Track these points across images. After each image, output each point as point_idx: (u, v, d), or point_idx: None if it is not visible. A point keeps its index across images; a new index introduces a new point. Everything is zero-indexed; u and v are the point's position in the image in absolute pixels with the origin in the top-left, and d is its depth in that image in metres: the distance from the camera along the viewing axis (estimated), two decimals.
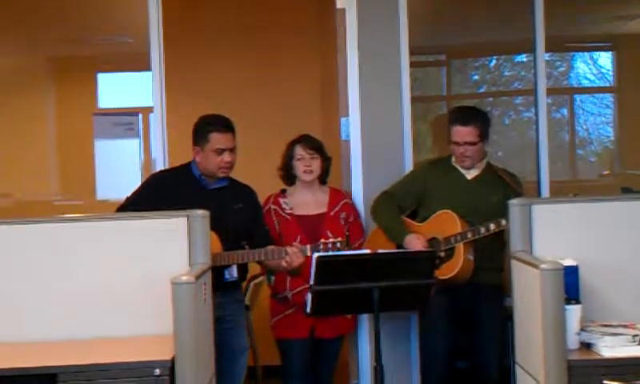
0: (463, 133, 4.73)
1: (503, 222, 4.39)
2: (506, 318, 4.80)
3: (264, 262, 4.57)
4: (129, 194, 4.61)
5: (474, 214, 4.68)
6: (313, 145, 4.87)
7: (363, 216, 5.09)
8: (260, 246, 4.47)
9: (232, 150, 4.50)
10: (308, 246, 4.41)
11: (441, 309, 4.68)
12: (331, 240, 4.38)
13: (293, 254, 4.38)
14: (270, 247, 4.47)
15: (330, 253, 4.22)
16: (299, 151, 4.86)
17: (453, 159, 4.87)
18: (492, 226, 4.53)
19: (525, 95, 7.11)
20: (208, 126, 4.51)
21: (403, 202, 4.89)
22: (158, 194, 4.49)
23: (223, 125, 4.52)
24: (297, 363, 4.83)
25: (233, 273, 4.46)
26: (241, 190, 4.63)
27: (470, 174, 4.83)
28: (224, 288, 4.39)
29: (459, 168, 4.84)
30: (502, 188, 4.71)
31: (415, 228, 4.79)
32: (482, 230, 4.56)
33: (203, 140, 4.48)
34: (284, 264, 4.41)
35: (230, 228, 4.31)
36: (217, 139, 4.47)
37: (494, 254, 4.67)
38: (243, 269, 4.60)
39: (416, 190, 4.88)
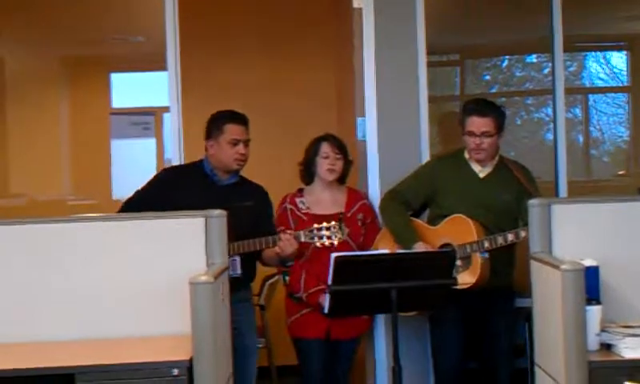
0: (480, 123, 4.59)
1: (522, 233, 4.34)
2: (523, 318, 4.77)
3: (262, 256, 4.55)
4: (138, 188, 4.62)
5: (486, 212, 4.58)
6: (339, 144, 4.81)
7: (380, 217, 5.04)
8: None
9: (246, 143, 4.52)
10: (301, 232, 4.39)
11: (451, 309, 4.52)
12: (325, 225, 4.36)
13: (286, 241, 4.36)
14: (264, 238, 4.41)
15: (349, 253, 4.20)
16: (325, 148, 4.78)
17: (465, 153, 4.74)
18: (510, 237, 4.43)
19: (538, 95, 7.08)
20: (223, 118, 4.56)
21: (412, 200, 4.77)
22: (168, 188, 4.50)
23: (238, 117, 4.57)
24: (314, 362, 4.78)
25: (236, 269, 4.38)
26: (252, 187, 4.63)
27: (483, 172, 4.69)
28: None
29: (471, 165, 4.70)
30: (515, 186, 4.60)
31: (427, 231, 4.67)
32: (500, 240, 4.45)
33: (218, 132, 4.51)
34: (277, 250, 4.40)
35: (238, 224, 4.24)
36: (232, 130, 4.51)
37: (504, 255, 4.57)
38: (249, 267, 4.55)
39: (426, 189, 4.75)
